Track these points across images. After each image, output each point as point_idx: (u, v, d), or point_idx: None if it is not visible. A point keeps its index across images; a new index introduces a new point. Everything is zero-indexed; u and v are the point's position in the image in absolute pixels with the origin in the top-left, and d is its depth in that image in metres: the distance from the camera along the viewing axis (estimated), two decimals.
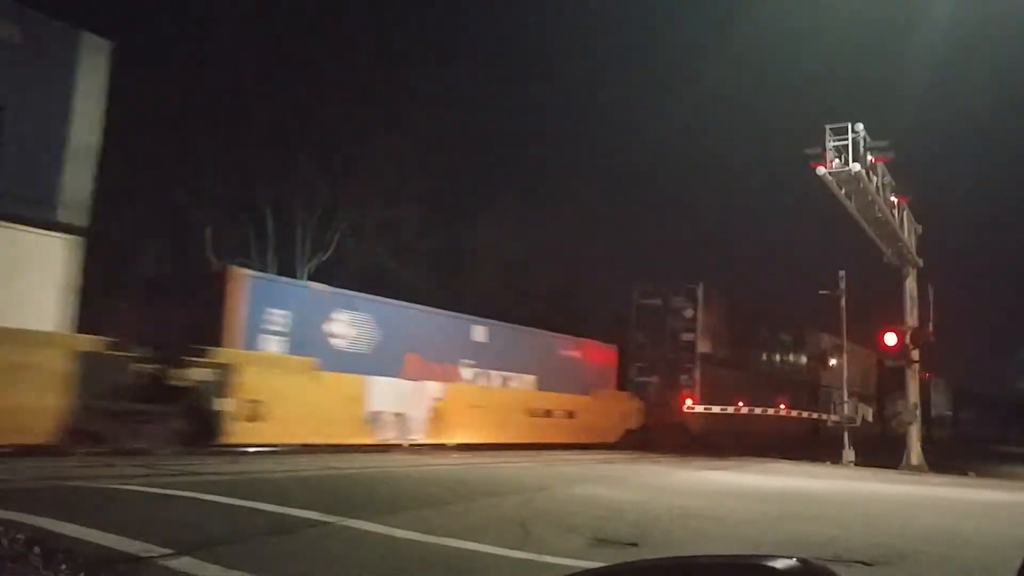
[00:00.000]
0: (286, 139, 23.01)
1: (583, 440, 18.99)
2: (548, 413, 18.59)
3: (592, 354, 21.65)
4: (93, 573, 3.85)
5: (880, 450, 20.05)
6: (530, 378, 19.16)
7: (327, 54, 23.28)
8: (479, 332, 18.08)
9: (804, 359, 32.29)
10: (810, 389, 31.85)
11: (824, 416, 28.67)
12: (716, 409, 23.26)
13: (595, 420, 19.88)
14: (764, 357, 29.25)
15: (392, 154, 24.44)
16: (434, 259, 26.64)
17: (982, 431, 48.52)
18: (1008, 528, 7.56)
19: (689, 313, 24.05)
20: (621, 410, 21.21)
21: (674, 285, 24.43)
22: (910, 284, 19.01)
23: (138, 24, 22.45)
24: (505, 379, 18.49)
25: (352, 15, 25.32)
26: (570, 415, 19.22)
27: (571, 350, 20.86)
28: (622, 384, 22.64)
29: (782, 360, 30.86)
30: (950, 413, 45.29)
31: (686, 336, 23.92)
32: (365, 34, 24.57)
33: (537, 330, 20.47)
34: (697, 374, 23.54)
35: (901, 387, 24.72)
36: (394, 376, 15.17)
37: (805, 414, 28.93)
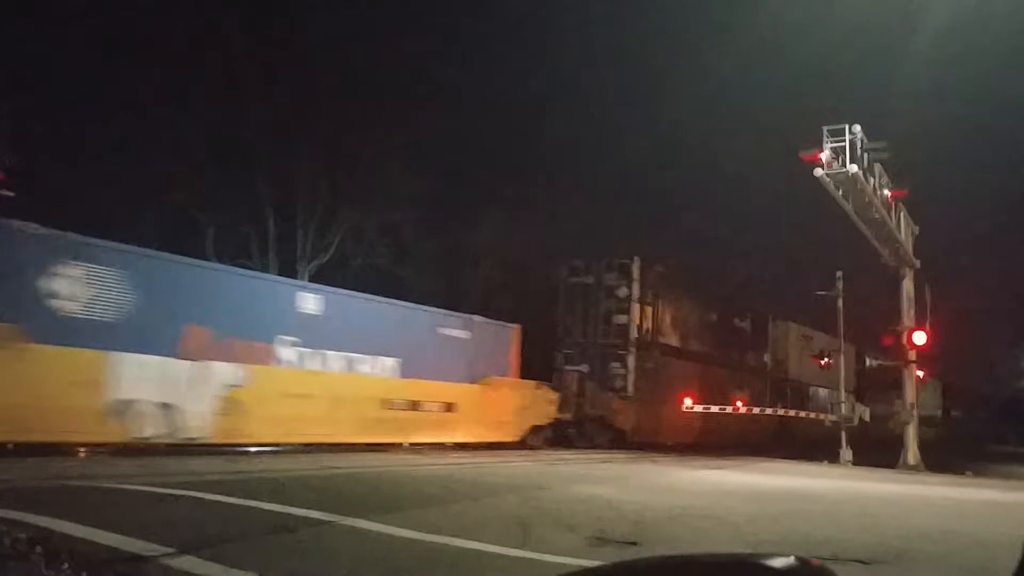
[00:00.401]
0: (287, 140, 23.04)
1: (469, 438, 16.17)
2: (415, 405, 15.33)
3: (485, 335, 17.75)
4: (95, 572, 3.86)
5: (864, 450, 19.81)
6: (390, 362, 15.33)
7: (328, 54, 23.31)
8: (310, 301, 14.23)
9: (769, 350, 29.44)
10: (776, 384, 29.38)
11: (793, 413, 27.22)
12: (652, 404, 20.94)
13: (486, 414, 16.66)
14: (718, 346, 25.89)
15: (393, 155, 24.46)
16: (434, 260, 26.67)
17: (974, 431, 48.39)
18: (1005, 527, 7.59)
19: (623, 292, 21.04)
20: (525, 402, 17.86)
21: (607, 260, 21.46)
22: (907, 285, 19.07)
23: (138, 24, 22.48)
24: (350, 362, 14.67)
25: (353, 15, 25.34)
26: (449, 408, 15.99)
27: (453, 329, 16.98)
28: (544, 371, 19.70)
29: (741, 351, 27.61)
30: (939, 413, 45.03)
31: (619, 319, 20.94)
32: (366, 35, 24.55)
33: (401, 302, 16.78)
34: (631, 362, 20.69)
35: (885, 385, 24.35)
36: (165, 354, 11.63)
37: (769, 411, 26.43)
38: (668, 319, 23.13)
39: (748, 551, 5.46)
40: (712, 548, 5.59)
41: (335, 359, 14.47)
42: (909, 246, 19.17)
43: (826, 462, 18.01)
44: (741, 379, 26.79)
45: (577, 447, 18.29)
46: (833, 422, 20.16)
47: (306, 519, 5.71)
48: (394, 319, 15.94)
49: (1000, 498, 11.32)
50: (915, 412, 18.83)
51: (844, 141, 14.94)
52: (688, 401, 22.89)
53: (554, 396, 19.04)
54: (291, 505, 6.17)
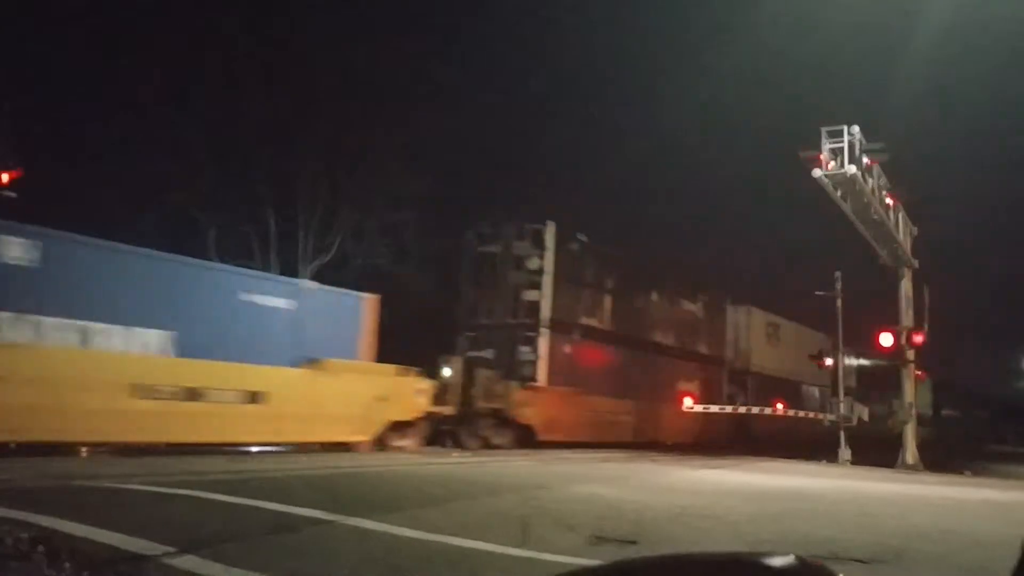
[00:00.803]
0: (287, 140, 23.08)
1: (288, 437, 12.93)
2: (195, 394, 11.61)
3: (319, 305, 13.77)
4: (96, 571, 3.88)
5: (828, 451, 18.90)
6: (155, 335, 11.57)
7: (328, 54, 23.34)
8: (14, 248, 10.24)
9: (723, 337, 26.20)
10: (736, 376, 26.53)
11: (746, 409, 24.58)
12: (571, 396, 18.09)
13: (317, 406, 12.95)
14: (660, 332, 22.49)
15: (393, 155, 24.49)
16: (434, 260, 26.66)
17: (968, 430, 48.14)
18: (1004, 527, 7.62)
19: (534, 264, 18.07)
20: (379, 392, 14.05)
21: (516, 226, 18.46)
22: (905, 285, 19.10)
23: (138, 24, 22.51)
24: (86, 333, 10.84)
25: (353, 15, 25.39)
26: (254, 398, 12.27)
27: (267, 295, 13.07)
28: (430, 354, 16.49)
29: (692, 338, 24.19)
30: (929, 412, 44.68)
31: (529, 295, 17.97)
32: (367, 35, 24.60)
33: (180, 257, 13.01)
34: (543, 346, 17.72)
35: (866, 383, 23.78)
36: None
37: (716, 408, 23.37)
38: (593, 297, 19.98)
39: (748, 550, 5.49)
40: (712, 547, 5.61)
41: (57, 329, 10.57)
42: (908, 246, 19.21)
43: (825, 461, 18.05)
44: (690, 370, 23.66)
45: (468, 448, 15.61)
46: (832, 422, 20.13)
47: (307, 518, 5.73)
48: (166, 278, 12.03)
49: (999, 498, 11.34)
50: (914, 412, 18.87)
51: (843, 142, 14.98)
52: (688, 401, 22.44)
53: (426, 385, 15.25)
54: (292, 504, 6.18)
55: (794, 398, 28.20)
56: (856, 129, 15.29)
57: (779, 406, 24.14)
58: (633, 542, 5.45)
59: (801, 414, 26.42)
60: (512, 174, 34.02)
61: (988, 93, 50.40)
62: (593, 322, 19.76)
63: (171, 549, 4.41)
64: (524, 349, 17.74)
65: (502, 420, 16.84)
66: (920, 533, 6.71)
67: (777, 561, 1.21)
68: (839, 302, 20.40)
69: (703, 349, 25.15)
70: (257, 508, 6.15)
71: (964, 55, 44.51)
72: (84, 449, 10.69)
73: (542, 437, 17.17)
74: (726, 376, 26.13)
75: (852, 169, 15.00)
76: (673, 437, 20.96)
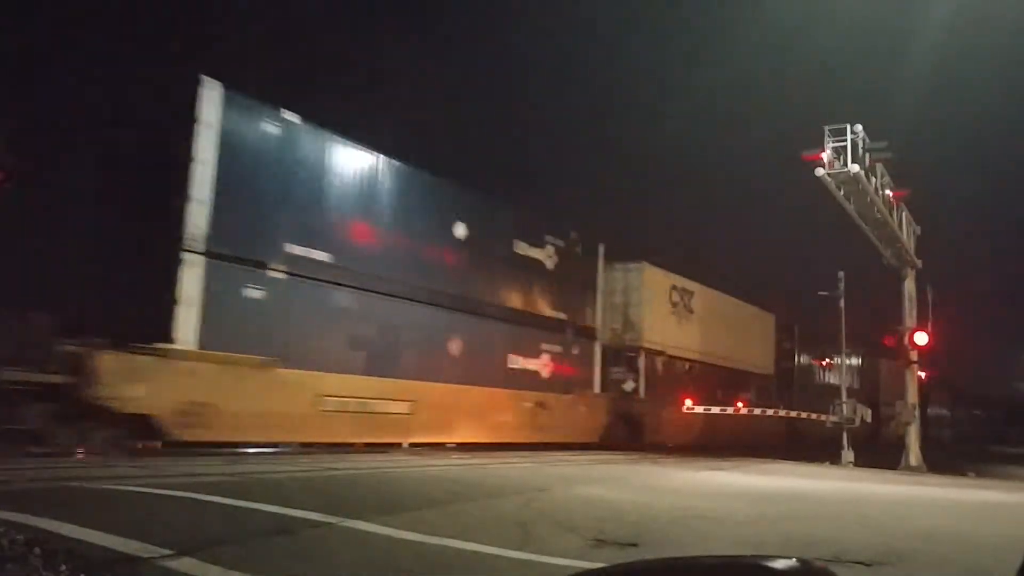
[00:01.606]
0: None
1: None
2: None
3: None
4: (93, 574, 3.85)
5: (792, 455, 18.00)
6: None
7: (328, 53, 23.39)
8: None
9: (594, 299, 19.77)
10: (620, 354, 20.79)
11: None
12: (234, 369, 11.27)
13: None
14: (459, 281, 15.70)
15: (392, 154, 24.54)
16: None
17: (964, 431, 47.90)
18: (1007, 528, 7.57)
19: (179, 149, 11.13)
20: None
21: (159, 92, 11.93)
22: (909, 285, 19.06)
23: (139, 23, 22.55)
24: None
25: (354, 14, 25.47)
26: None
27: None
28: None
29: (520, 293, 17.35)
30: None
31: (171, 200, 11.04)
32: (367, 34, 24.65)
33: None
34: (191, 284, 10.86)
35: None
36: None
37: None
38: (320, 216, 12.96)
39: (750, 553, 5.44)
40: (713, 549, 5.56)
41: None
42: (911, 246, 19.17)
43: (828, 463, 18.02)
44: (531, 341, 17.28)
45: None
46: (834, 423, 20.11)
47: (306, 521, 5.69)
48: None
49: (1002, 499, 11.30)
50: (916, 413, 18.83)
51: (846, 141, 14.99)
52: (688, 402, 22.15)
53: None
54: (291, 507, 6.15)
55: (717, 387, 24.00)
56: (859, 128, 15.31)
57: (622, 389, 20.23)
58: (634, 544, 5.41)
59: (760, 412, 23.65)
60: (513, 173, 33.99)
61: (993, 92, 50.46)
62: (321, 256, 12.72)
63: (168, 551, 4.38)
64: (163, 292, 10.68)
65: (87, 408, 9.88)
66: (923, 535, 6.67)
67: (780, 564, 1.17)
68: (842, 302, 20.39)
69: (559, 314, 18.29)
70: (255, 510, 6.11)
71: (968, 54, 44.58)
72: (80, 451, 10.66)
73: (184, 436, 10.61)
74: (601, 353, 19.94)
75: (855, 168, 15.01)
76: (492, 435, 15.20)
